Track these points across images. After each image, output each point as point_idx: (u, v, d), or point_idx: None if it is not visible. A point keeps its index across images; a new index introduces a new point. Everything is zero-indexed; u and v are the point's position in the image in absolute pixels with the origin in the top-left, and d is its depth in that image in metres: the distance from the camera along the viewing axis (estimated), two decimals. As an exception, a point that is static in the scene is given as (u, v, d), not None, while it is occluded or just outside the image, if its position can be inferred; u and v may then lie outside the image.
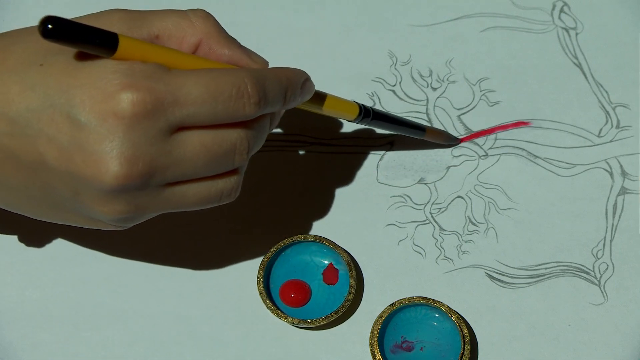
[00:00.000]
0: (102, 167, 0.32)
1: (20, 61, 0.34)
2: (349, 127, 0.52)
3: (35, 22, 0.35)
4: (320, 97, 0.42)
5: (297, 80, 0.38)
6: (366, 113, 0.45)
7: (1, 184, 0.36)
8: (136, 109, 0.32)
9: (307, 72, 0.39)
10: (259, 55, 0.39)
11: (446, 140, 0.51)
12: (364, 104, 0.45)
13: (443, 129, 0.52)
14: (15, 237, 0.47)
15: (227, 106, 0.34)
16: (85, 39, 0.31)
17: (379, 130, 0.52)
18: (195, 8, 0.38)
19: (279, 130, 0.52)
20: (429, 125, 0.49)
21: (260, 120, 0.37)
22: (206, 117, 0.34)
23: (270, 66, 0.39)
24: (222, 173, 0.37)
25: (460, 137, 0.52)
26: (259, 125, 0.37)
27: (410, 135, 0.49)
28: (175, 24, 0.36)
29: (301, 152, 0.51)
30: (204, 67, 0.36)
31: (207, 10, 0.38)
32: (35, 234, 0.47)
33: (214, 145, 0.35)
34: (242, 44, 0.38)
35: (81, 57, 0.33)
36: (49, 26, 0.30)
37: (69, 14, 0.53)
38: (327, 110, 0.43)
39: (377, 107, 0.53)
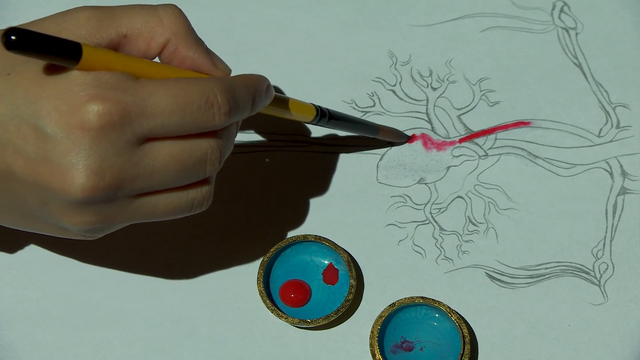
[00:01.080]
0: (68, 179, 0.32)
1: None
2: (349, 127, 0.52)
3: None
4: (281, 101, 0.42)
5: (262, 86, 0.38)
6: (322, 114, 0.45)
7: None
8: (102, 120, 0.32)
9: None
10: (222, 62, 0.38)
11: (398, 137, 0.51)
12: (320, 105, 0.45)
13: (444, 130, 0.52)
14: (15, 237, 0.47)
15: (195, 117, 0.34)
16: (49, 50, 0.31)
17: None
18: (167, 3, 0.37)
19: (278, 130, 0.52)
20: (382, 125, 0.50)
21: (229, 128, 0.37)
22: (175, 128, 0.34)
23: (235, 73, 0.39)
24: (193, 182, 0.37)
25: (460, 138, 0.52)
26: (228, 132, 0.37)
27: (366, 134, 0.49)
28: (144, 23, 0.36)
29: (301, 152, 0.51)
30: (171, 76, 0.35)
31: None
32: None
33: (183, 155, 0.35)
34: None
35: (49, 67, 0.33)
36: (12, 37, 0.29)
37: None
38: (286, 112, 0.43)
39: (377, 107, 0.53)
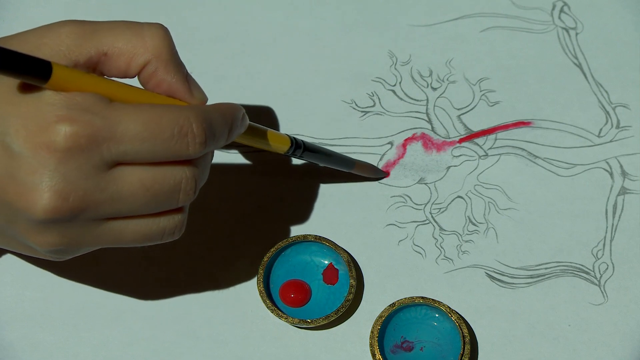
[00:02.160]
0: (32, 199, 0.32)
1: None
2: (349, 127, 0.52)
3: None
4: (255, 131, 0.41)
5: (238, 115, 0.38)
6: (297, 146, 0.44)
7: None
8: (69, 142, 0.32)
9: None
10: (200, 90, 0.38)
11: (373, 173, 0.50)
12: (295, 137, 0.44)
13: (444, 130, 0.52)
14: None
15: (168, 145, 0.34)
16: (18, 68, 0.30)
17: (374, 134, 0.52)
18: (153, 23, 0.36)
19: (279, 130, 0.52)
20: (359, 160, 0.49)
21: (205, 156, 0.37)
22: (146, 154, 0.33)
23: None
24: (165, 210, 0.36)
25: (460, 138, 0.52)
26: (204, 161, 0.37)
27: (340, 168, 0.48)
28: (127, 42, 0.35)
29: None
30: (144, 101, 0.35)
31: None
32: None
33: (154, 183, 0.34)
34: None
35: (23, 85, 0.33)
36: None
37: (69, 14, 0.53)
38: (261, 142, 0.42)
39: (377, 107, 0.53)
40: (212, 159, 0.39)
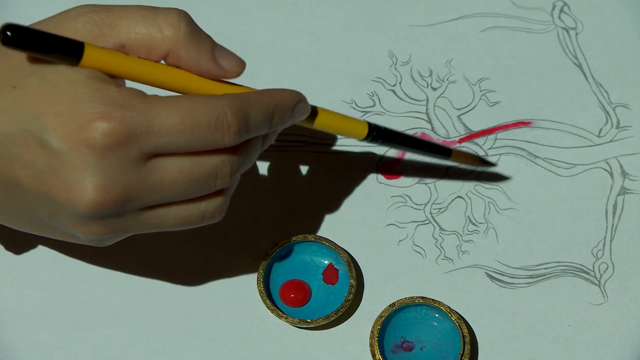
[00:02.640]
0: (75, 194, 0.33)
1: None
2: (349, 127, 0.52)
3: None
4: (326, 116, 0.41)
5: (287, 103, 0.37)
6: (378, 133, 0.43)
7: None
8: (108, 139, 0.32)
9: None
10: (231, 59, 0.37)
11: (477, 163, 0.49)
12: (377, 124, 0.43)
13: (445, 130, 0.52)
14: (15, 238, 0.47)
15: (204, 136, 0.34)
16: (49, 48, 0.31)
17: None
18: (169, 8, 0.36)
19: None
20: (455, 148, 0.48)
21: (248, 143, 0.37)
22: (182, 146, 0.34)
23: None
24: (205, 194, 0.36)
25: (460, 138, 0.52)
26: (246, 148, 0.37)
27: (433, 157, 0.47)
28: (143, 34, 0.35)
29: (301, 152, 0.51)
30: (176, 80, 0.35)
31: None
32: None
33: (192, 170, 0.35)
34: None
35: (52, 80, 0.33)
36: (8, 33, 0.29)
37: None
38: (332, 129, 0.41)
39: (377, 107, 0.53)
40: (264, 145, 0.39)
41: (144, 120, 0.33)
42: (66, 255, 0.47)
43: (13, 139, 0.33)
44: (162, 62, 0.36)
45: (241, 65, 0.37)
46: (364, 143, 0.44)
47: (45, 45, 0.31)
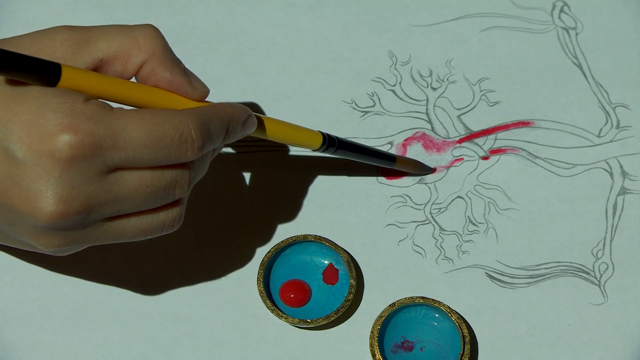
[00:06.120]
0: (37, 205, 0.33)
1: None
2: (349, 127, 0.52)
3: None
4: (279, 128, 0.42)
5: (239, 117, 0.38)
6: (330, 142, 0.44)
7: None
8: (73, 151, 0.32)
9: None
10: (200, 82, 0.38)
11: (418, 170, 0.50)
12: (328, 133, 0.45)
13: (445, 130, 0.52)
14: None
15: (168, 152, 0.34)
16: (28, 70, 0.31)
17: (374, 134, 0.52)
18: (144, 23, 0.37)
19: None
20: (398, 155, 0.49)
21: (204, 155, 0.37)
22: (146, 160, 0.34)
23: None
24: (163, 205, 0.37)
25: (460, 138, 0.52)
26: (201, 159, 0.37)
27: (377, 164, 0.48)
28: (120, 46, 0.36)
29: (301, 152, 0.51)
30: (150, 98, 0.35)
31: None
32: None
33: (153, 182, 0.35)
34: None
35: (22, 90, 0.33)
36: None
37: (69, 13, 0.53)
38: (286, 140, 0.42)
39: (377, 107, 0.53)
40: (213, 154, 0.39)
41: (110, 133, 0.33)
42: (66, 255, 0.47)
43: None
44: (133, 78, 0.37)
45: (207, 89, 0.38)
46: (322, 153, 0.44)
47: (21, 67, 0.31)
